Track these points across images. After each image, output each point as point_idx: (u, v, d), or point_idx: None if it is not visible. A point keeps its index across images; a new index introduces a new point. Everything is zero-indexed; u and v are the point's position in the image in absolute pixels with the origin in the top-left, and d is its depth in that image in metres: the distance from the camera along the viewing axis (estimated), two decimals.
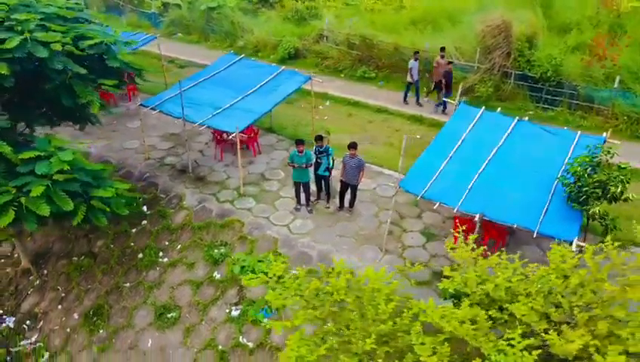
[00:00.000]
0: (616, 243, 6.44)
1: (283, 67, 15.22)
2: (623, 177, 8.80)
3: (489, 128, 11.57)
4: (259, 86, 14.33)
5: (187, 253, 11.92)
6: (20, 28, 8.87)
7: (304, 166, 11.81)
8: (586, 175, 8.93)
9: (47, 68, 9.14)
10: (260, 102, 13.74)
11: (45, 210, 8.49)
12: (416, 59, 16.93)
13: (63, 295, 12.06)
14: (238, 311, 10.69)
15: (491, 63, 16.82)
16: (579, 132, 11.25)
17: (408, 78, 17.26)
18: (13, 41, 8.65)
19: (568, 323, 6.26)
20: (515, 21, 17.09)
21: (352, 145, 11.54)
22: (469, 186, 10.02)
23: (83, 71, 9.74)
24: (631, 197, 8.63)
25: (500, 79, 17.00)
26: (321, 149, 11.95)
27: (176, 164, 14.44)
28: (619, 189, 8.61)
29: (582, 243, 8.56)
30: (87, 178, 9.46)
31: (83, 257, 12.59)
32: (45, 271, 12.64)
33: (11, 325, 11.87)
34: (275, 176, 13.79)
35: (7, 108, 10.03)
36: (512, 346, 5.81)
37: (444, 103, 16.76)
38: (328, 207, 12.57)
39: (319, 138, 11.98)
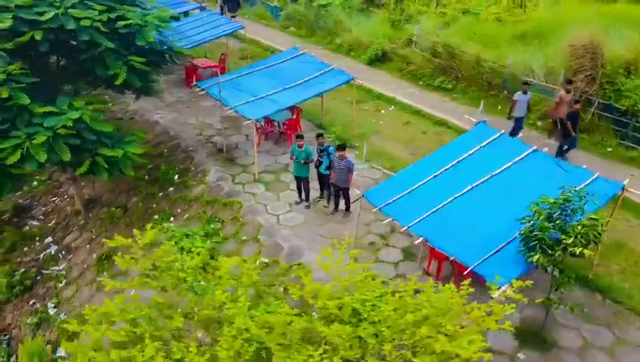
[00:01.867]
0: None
1: (333, 66, 15.37)
2: (587, 229, 7.45)
3: (496, 153, 10.47)
4: (302, 81, 14.75)
5: (190, 223, 12.97)
6: (57, 4, 10.62)
7: (302, 162, 12.00)
8: (541, 217, 7.73)
9: (76, 39, 10.77)
10: (295, 95, 14.22)
11: (43, 156, 10.15)
12: (524, 92, 14.22)
13: (94, 237, 14.03)
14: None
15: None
16: (596, 173, 9.61)
17: (513, 113, 14.43)
18: (49, 14, 10.42)
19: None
20: (615, 43, 14.84)
21: (341, 147, 11.43)
22: (435, 209, 9.31)
23: (111, 45, 11.26)
24: (578, 253, 7.26)
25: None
26: (321, 148, 12.00)
27: (218, 143, 15.61)
28: (570, 241, 7.32)
29: (510, 292, 7.54)
30: (93, 136, 10.95)
31: (118, 209, 14.45)
32: (90, 215, 14.79)
33: (52, 252, 14.18)
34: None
35: (55, 73, 12.07)
36: None
37: (564, 149, 13.69)
38: (327, 207, 12.58)
39: (320, 136, 12.04)
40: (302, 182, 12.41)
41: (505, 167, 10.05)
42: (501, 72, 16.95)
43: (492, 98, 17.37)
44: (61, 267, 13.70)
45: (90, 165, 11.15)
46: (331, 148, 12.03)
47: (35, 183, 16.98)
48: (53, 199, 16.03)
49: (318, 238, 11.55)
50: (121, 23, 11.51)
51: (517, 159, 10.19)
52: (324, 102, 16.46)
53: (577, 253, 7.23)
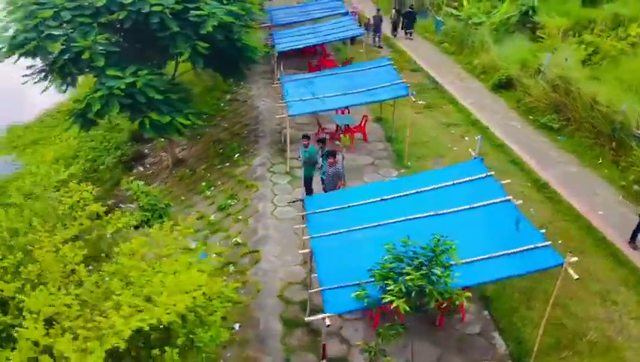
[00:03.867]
0: None
1: (403, 80, 14.93)
2: (425, 283, 6.46)
3: (463, 193, 9.33)
4: (365, 89, 14.83)
5: (219, 194, 14.54)
6: None
7: (303, 161, 12.39)
8: (386, 257, 6.91)
9: (149, 21, 13.19)
10: (345, 100, 14.60)
11: (96, 106, 12.82)
12: None
13: (162, 188, 16.70)
14: (195, 244, 12.80)
15: None
16: (547, 242, 7.83)
17: None
18: None
19: None
20: None
21: (331, 154, 11.42)
22: (346, 229, 8.88)
23: (176, 29, 13.38)
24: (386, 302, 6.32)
25: None
26: (322, 152, 12.17)
27: (285, 134, 16.70)
28: (391, 286, 6.43)
29: (328, 323, 7.03)
30: (144, 99, 13.25)
31: (189, 171, 16.85)
32: (174, 172, 17.55)
33: None
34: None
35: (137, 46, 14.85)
36: None
37: None
38: None
39: (322, 141, 12.20)
40: (306, 181, 12.76)
41: (458, 209, 8.92)
42: (613, 119, 14.04)
43: (598, 148, 14.55)
44: (133, 206, 16.66)
45: (139, 124, 13.57)
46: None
47: (162, 139, 20.66)
48: (162, 154, 19.36)
49: (290, 235, 11.83)
50: (194, 12, 13.55)
51: (478, 204, 8.93)
52: (414, 119, 16.12)
53: (386, 301, 6.34)
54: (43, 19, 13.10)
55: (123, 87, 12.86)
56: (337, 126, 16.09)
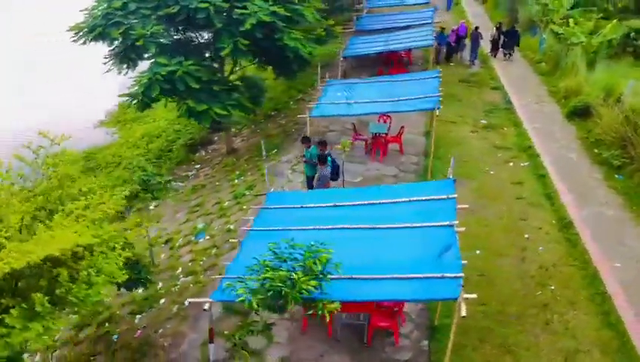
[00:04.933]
0: None
1: (439, 94, 14.23)
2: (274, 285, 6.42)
3: (414, 211, 8.88)
4: (397, 99, 14.53)
5: (242, 184, 15.31)
6: None
7: (304, 160, 12.61)
8: (264, 255, 6.92)
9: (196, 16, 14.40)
10: (371, 108, 14.46)
11: (142, 88, 14.33)
12: None
13: (208, 172, 17.97)
14: (202, 225, 13.73)
15: None
16: (459, 274, 7.14)
17: None
18: None
19: None
20: None
21: (321, 158, 11.51)
22: (283, 228, 8.96)
23: (219, 25, 14.39)
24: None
25: None
26: (320, 154, 12.22)
27: (320, 135, 16.88)
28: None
29: (205, 307, 7.29)
30: (182, 87, 14.46)
31: (235, 160, 17.90)
32: (224, 159, 18.73)
33: (189, 174, 18.80)
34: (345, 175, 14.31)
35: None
36: None
37: None
38: None
39: (322, 143, 12.25)
40: (308, 180, 12.95)
41: (395, 225, 8.53)
42: None
43: None
44: (182, 184, 18.16)
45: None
46: (329, 158, 12.11)
47: (232, 129, 22.10)
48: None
49: None
50: (238, 11, 14.48)
51: (422, 224, 8.45)
52: (467, 137, 15.58)
53: (236, 293, 6.41)
54: (114, 8, 14.99)
55: (164, 73, 14.20)
56: (375, 133, 15.88)
